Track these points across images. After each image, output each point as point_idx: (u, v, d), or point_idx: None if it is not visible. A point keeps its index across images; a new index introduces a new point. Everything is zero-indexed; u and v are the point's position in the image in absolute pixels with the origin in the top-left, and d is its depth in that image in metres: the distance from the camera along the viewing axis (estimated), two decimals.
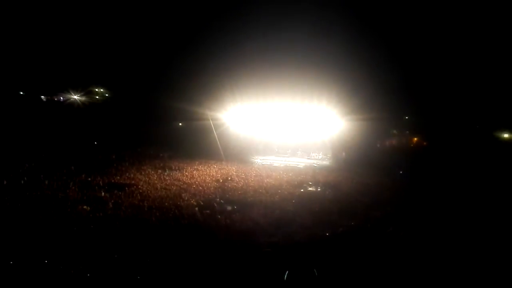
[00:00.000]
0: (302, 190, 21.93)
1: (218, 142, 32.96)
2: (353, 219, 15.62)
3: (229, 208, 17.08)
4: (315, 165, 33.11)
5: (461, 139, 29.80)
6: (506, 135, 25.03)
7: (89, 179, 21.01)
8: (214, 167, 28.56)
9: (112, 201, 16.99)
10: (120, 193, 18.43)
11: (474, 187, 22.16)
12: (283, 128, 36.64)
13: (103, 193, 18.11)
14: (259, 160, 34.73)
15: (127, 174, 23.50)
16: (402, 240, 11.72)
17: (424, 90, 35.28)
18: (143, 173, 24.43)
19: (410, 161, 30.19)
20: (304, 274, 6.31)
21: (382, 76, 36.08)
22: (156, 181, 22.07)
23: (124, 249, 10.39)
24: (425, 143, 37.18)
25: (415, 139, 38.68)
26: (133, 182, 21.43)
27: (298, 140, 37.54)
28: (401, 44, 39.46)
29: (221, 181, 23.09)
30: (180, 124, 41.54)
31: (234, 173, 26.16)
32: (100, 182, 20.42)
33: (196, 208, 16.61)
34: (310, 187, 23.10)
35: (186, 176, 24.27)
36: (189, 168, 27.48)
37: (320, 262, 8.50)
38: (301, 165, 32.47)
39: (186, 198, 18.25)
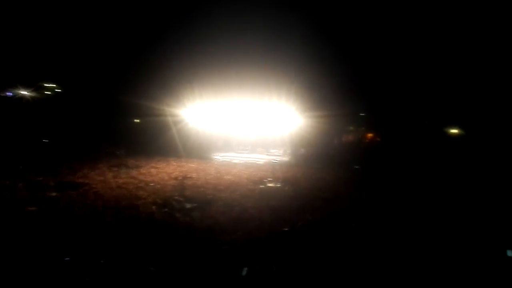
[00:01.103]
0: (262, 187, 22.01)
1: (177, 139, 32.40)
2: (312, 214, 15.86)
3: (188, 206, 16.80)
4: (275, 161, 33.41)
5: (412, 134, 31.12)
6: (453, 131, 26.47)
7: (40, 178, 19.94)
8: (173, 165, 28.04)
9: (64, 201, 16.21)
10: (72, 192, 17.62)
11: (424, 180, 23.24)
12: (242, 125, 36.63)
13: (54, 193, 17.23)
14: (219, 157, 34.53)
15: (80, 173, 22.54)
16: (359, 233, 12.03)
17: (378, 88, 36.50)
18: (97, 171, 23.53)
19: (365, 156, 31.17)
20: (263, 270, 6.29)
21: (339, 73, 36.89)
22: (111, 180, 21.32)
23: (76, 251, 9.92)
24: (379, 139, 38.55)
25: (370, 135, 39.98)
26: (86, 181, 20.57)
27: (258, 137, 37.74)
28: (355, 42, 40.54)
29: (180, 178, 22.70)
30: (137, 120, 40.43)
31: (194, 170, 25.81)
32: (51, 182, 19.43)
33: (154, 207, 16.21)
34: (270, 183, 23.23)
35: (143, 174, 23.64)
36: (146, 165, 26.81)
37: (279, 257, 8.51)
38: (261, 162, 32.64)
39: (144, 197, 17.77)
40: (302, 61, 35.63)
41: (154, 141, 33.00)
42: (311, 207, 16.95)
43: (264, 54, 38.60)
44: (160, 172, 24.45)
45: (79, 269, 8.97)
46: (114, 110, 37.42)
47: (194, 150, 33.30)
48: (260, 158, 34.25)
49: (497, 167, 23.20)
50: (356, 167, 30.16)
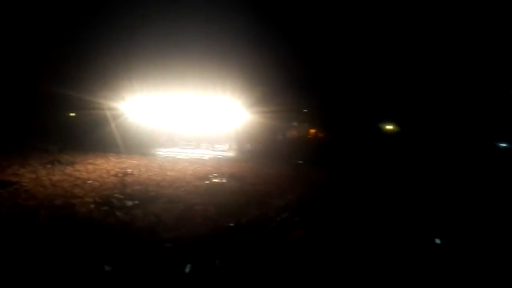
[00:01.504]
0: (207, 182, 21.68)
1: (116, 134, 30.91)
2: (257, 209, 15.85)
3: (129, 203, 16.05)
4: (220, 156, 33.14)
5: (353, 130, 32.38)
6: (389, 127, 27.91)
7: None
8: (112, 161, 26.75)
9: None
10: (1, 191, 16.15)
11: (364, 173, 24.24)
12: (186, 119, 35.90)
13: None
14: (162, 153, 33.56)
15: (9, 170, 20.76)
16: (302, 227, 12.16)
17: (321, 85, 37.50)
18: (28, 168, 21.79)
19: (308, 151, 31.92)
20: (206, 266, 6.10)
21: (284, 69, 37.37)
22: (44, 178, 19.84)
23: (6, 253, 9.07)
24: (321, 135, 39.71)
25: (313, 130, 41.04)
26: (17, 179, 18.96)
27: (203, 132, 37.19)
28: (300, 39, 41.29)
29: (120, 175, 21.67)
30: (72, 114, 38.08)
31: (135, 167, 24.81)
32: None
33: (92, 205, 15.29)
34: (216, 179, 22.96)
35: (80, 171, 22.29)
36: (83, 162, 25.32)
37: (223, 253, 8.33)
38: (206, 157, 32.21)
39: (81, 195, 16.72)
40: (247, 55, 35.63)
41: (91, 136, 31.26)
42: (256, 202, 16.96)
43: (208, 47, 38.07)
44: (98, 169, 23.20)
45: (9, 273, 8.19)
46: (47, 103, 34.85)
47: (135, 146, 32.06)
48: (205, 154, 33.79)
49: (430, 160, 24.73)
50: (299, 162, 30.79)
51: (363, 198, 17.23)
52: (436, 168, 24.70)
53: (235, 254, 7.45)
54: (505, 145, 18.05)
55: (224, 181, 23.21)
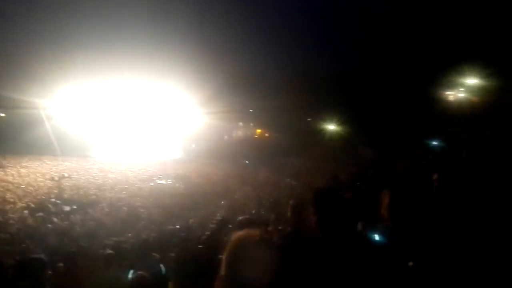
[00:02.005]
0: (151, 184, 21.10)
1: (52, 134, 28.98)
2: (204, 209, 15.69)
3: (67, 208, 15.18)
4: (166, 157, 32.36)
5: (297, 130, 33.06)
6: (331, 127, 28.87)
7: None
8: (48, 163, 25.20)
9: None
10: None
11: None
12: (129, 120, 34.64)
13: None
14: (103, 154, 32.10)
15: None
16: (250, 226, 12.18)
17: (266, 85, 37.94)
18: None
19: (254, 151, 32.15)
20: (151, 271, 5.86)
21: (229, 70, 37.40)
22: None
23: None
24: (267, 134, 40.18)
25: (259, 130, 41.42)
26: None
27: (147, 132, 36.08)
28: (244, 40, 41.55)
29: (56, 179, 20.38)
30: (1, 114, 35.24)
31: (73, 169, 23.53)
32: None
33: (26, 211, 14.22)
34: (160, 180, 22.43)
35: (12, 175, 20.72)
36: (15, 165, 23.56)
37: (169, 257, 8.10)
38: (150, 158, 31.29)
39: (13, 201, 15.51)
40: (192, 54, 35.16)
41: (24, 137, 29.05)
42: (203, 202, 16.81)
43: (153, 48, 37.08)
44: (32, 172, 21.71)
45: None
46: None
47: (73, 147, 30.32)
48: (150, 155, 32.82)
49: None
50: (246, 161, 30.93)
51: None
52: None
53: (181, 259, 7.26)
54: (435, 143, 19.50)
55: (169, 182, 22.77)
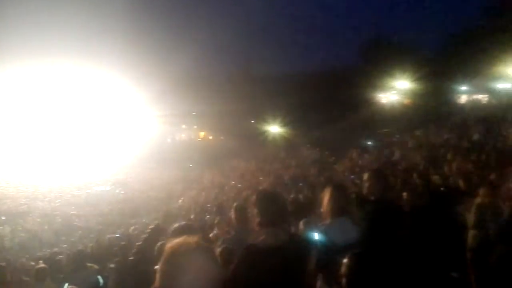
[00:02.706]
0: (88, 192, 20.06)
1: None
2: (147, 216, 15.19)
3: None
4: (104, 162, 30.92)
5: (241, 132, 33.21)
6: (274, 129, 29.31)
7: None
8: None
9: None
10: None
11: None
12: (64, 122, 32.74)
13: None
14: (33, 161, 29.95)
15: None
16: (195, 232, 11.99)
17: (209, 88, 37.71)
18: None
19: (198, 154, 31.78)
20: (87, 284, 5.55)
21: (172, 73, 36.68)
22: None
23: None
24: (211, 137, 39.89)
25: (203, 133, 41.00)
26: None
27: (84, 135, 34.27)
28: (187, 42, 41.04)
29: None
30: None
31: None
32: None
33: None
34: (98, 186, 21.39)
35: None
36: None
37: (108, 268, 7.73)
38: (86, 164, 29.70)
39: None
40: (133, 56, 34.08)
41: None
42: (145, 209, 16.28)
43: (90, 46, 35.42)
44: None
45: None
46: None
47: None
48: (85, 160, 31.14)
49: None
50: (190, 165, 30.44)
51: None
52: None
53: (121, 270, 6.94)
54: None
55: (108, 189, 21.78)
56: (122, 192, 20.12)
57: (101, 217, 15.21)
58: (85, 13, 37.52)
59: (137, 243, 7.45)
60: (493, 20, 21.79)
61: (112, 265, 7.02)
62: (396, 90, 25.31)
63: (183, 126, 40.90)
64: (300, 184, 12.20)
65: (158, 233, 6.35)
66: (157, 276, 1.19)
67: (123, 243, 9.06)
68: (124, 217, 15.15)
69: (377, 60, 26.42)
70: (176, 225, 2.42)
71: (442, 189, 3.94)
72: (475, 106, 20.74)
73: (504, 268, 2.67)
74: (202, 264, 1.16)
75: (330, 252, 2.29)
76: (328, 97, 28.48)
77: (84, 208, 16.55)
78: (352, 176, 9.44)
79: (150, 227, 8.14)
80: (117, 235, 12.09)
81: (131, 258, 5.73)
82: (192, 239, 1.20)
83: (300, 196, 8.87)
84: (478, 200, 3.24)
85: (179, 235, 2.02)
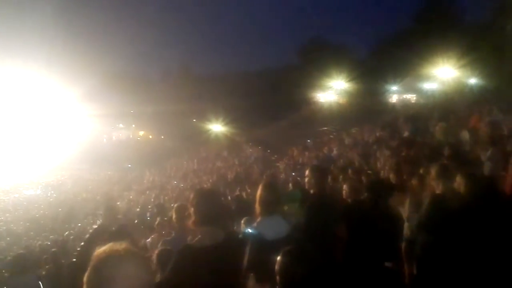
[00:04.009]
0: (16, 196, 18.69)
1: None
2: (82, 220, 14.46)
3: None
4: (33, 164, 28.89)
5: (182, 131, 32.69)
6: (217, 128, 29.20)
7: None
8: None
9: None
10: None
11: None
12: None
13: None
14: None
15: None
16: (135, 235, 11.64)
17: (148, 86, 36.74)
18: None
19: (138, 154, 30.82)
20: None
21: (108, 70, 35.27)
22: None
23: None
24: (151, 136, 38.79)
25: (142, 132, 39.79)
26: None
27: (8, 137, 31.73)
28: (125, 39, 39.58)
29: None
30: None
31: None
32: None
33: None
34: (27, 190, 20.01)
35: None
36: None
37: (40, 275, 7.25)
38: (13, 166, 27.58)
39: None
40: (66, 51, 32.30)
41: None
42: (81, 213, 15.47)
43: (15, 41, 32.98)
44: None
45: None
46: None
47: None
48: (14, 162, 28.90)
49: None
50: (129, 165, 29.40)
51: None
52: None
53: (54, 278, 6.53)
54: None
55: (38, 192, 20.59)
56: (54, 195, 18.94)
57: (32, 223, 14.24)
58: (11, 8, 34.87)
59: (81, 244, 7.03)
60: (422, 24, 23.60)
61: (43, 273, 6.61)
62: (333, 90, 26.39)
63: (120, 125, 39.45)
64: (243, 182, 12.25)
65: (102, 233, 6.04)
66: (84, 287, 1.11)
67: (54, 249, 8.53)
68: (57, 222, 14.29)
69: (315, 60, 27.43)
70: (112, 229, 2.30)
71: (375, 183, 4.16)
72: (405, 105, 22.22)
73: (425, 256, 2.86)
74: (132, 272, 1.08)
75: (262, 250, 2.32)
76: (269, 96, 29.00)
77: (13, 214, 15.43)
78: (294, 173, 9.66)
79: (93, 226, 7.74)
80: (48, 242, 11.35)
81: (74, 260, 5.41)
82: (120, 245, 1.12)
83: (244, 194, 8.92)
84: (408, 193, 3.46)
85: (114, 239, 1.92)
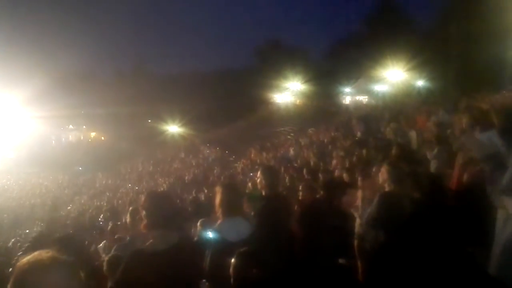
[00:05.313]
0: None
1: None
2: (30, 227, 13.70)
3: None
4: None
5: (137, 132, 31.75)
6: (173, 129, 28.64)
7: None
8: None
9: None
10: None
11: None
12: None
13: None
14: None
15: None
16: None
17: (100, 86, 35.36)
18: None
19: (89, 156, 29.62)
20: None
21: (57, 69, 33.58)
22: None
23: None
24: (103, 138, 37.34)
25: (93, 133, 38.25)
26: None
27: None
28: (74, 37, 37.90)
29: None
30: None
31: None
32: None
33: None
34: None
35: None
36: None
37: None
38: None
39: None
40: (10, 47, 30.36)
41: None
42: (28, 219, 14.62)
43: None
44: None
45: None
46: None
47: None
48: None
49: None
50: (79, 168, 28.16)
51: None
52: None
53: None
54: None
55: None
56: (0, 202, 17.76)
57: None
58: None
59: (18, 254, 6.61)
60: (373, 28, 24.46)
61: None
62: (289, 91, 26.72)
63: (70, 127, 37.69)
64: (201, 184, 12.10)
65: (42, 242, 5.71)
66: None
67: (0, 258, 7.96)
68: (2, 229, 13.40)
69: (271, 61, 27.66)
70: (56, 235, 2.13)
71: (329, 182, 4.24)
72: (357, 106, 22.90)
73: (375, 253, 2.96)
74: (57, 281, 1.02)
75: (225, 252, 2.29)
76: (226, 97, 28.87)
77: None
78: (251, 174, 9.66)
79: (32, 235, 7.30)
80: None
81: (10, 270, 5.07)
82: (46, 254, 1.04)
83: (201, 196, 8.80)
84: (359, 191, 3.56)
85: (58, 246, 1.81)
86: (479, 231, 2.74)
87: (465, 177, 3.24)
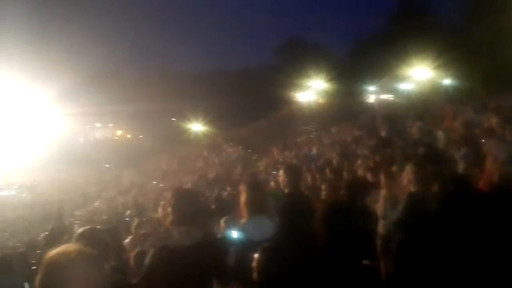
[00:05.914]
0: None
1: None
2: (60, 220, 14.11)
3: None
4: (7, 165, 28.03)
5: (161, 130, 32.32)
6: (197, 127, 28.99)
7: None
8: None
9: None
10: None
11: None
12: None
13: None
14: None
15: None
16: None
17: (126, 84, 36.07)
18: None
19: (115, 154, 30.33)
20: None
21: (84, 68, 34.48)
22: None
23: None
24: (129, 136, 38.14)
25: (120, 132, 39.11)
26: None
27: None
28: (101, 36, 38.85)
29: None
30: None
31: None
32: None
33: None
34: (2, 191, 19.46)
35: None
36: None
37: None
38: None
39: None
40: (42, 48, 31.44)
41: None
42: (54, 214, 15.10)
43: None
44: None
45: None
46: None
47: None
48: None
49: None
50: (106, 165, 28.91)
51: None
52: None
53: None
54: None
55: (13, 193, 20.08)
56: (30, 197, 18.47)
57: (6, 224, 13.87)
58: None
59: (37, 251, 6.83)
60: (398, 26, 24.06)
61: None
62: (312, 90, 26.57)
63: (98, 125, 38.67)
64: (224, 182, 12.22)
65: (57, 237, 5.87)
66: None
67: (21, 250, 8.23)
68: (32, 223, 13.93)
69: (294, 60, 27.57)
70: (80, 229, 2.20)
71: (353, 182, 4.22)
72: (382, 105, 22.57)
73: (401, 254, 2.93)
74: (84, 274, 1.07)
75: (247, 250, 2.32)
76: (249, 95, 28.98)
77: None
78: (274, 172, 9.69)
79: (44, 233, 7.55)
80: (18, 244, 11.03)
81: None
82: (73, 247, 1.10)
83: (224, 194, 8.90)
84: (383, 192, 3.54)
85: (83, 240, 1.89)
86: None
87: (496, 178, 3.16)
